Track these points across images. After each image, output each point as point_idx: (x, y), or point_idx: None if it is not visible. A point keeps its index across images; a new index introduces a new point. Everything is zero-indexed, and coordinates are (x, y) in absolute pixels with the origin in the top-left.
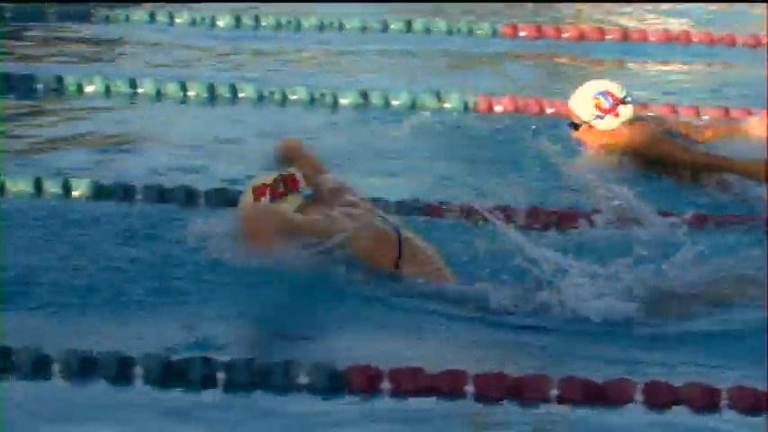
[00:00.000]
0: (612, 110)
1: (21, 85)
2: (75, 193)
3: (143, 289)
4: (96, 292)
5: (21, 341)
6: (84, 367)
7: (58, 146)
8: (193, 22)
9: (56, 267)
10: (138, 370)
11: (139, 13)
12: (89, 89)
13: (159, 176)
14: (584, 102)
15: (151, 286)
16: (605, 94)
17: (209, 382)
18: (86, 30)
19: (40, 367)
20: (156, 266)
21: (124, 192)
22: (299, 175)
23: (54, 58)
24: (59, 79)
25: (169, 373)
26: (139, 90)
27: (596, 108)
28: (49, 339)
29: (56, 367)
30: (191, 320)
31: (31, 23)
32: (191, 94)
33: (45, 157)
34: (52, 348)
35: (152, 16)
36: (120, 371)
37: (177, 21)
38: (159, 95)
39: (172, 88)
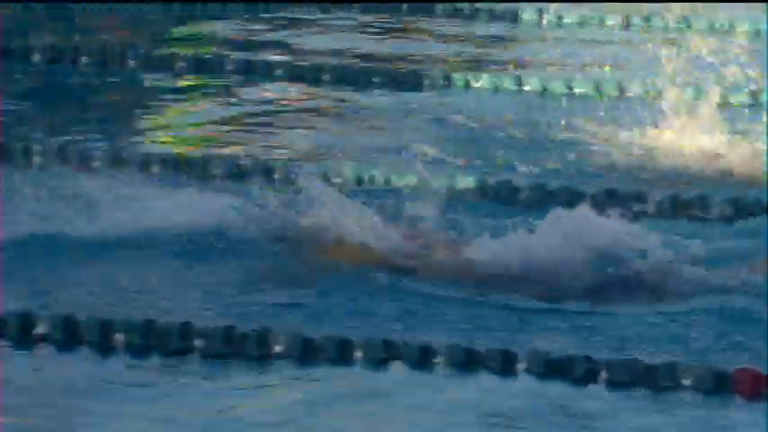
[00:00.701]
0: None
1: (410, 81)
2: (459, 186)
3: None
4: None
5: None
6: (468, 361)
7: (445, 143)
8: (582, 22)
9: None
10: (522, 365)
11: (529, 12)
12: (476, 85)
13: (541, 175)
14: None
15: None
16: None
17: (591, 378)
18: (475, 27)
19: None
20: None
21: (508, 191)
22: None
23: (441, 54)
24: (447, 75)
25: (552, 370)
26: (525, 87)
27: None
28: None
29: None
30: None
31: (422, 18)
32: (577, 91)
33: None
34: (438, 343)
35: (540, 13)
36: (504, 367)
37: (566, 20)
38: (544, 93)
39: (557, 86)
